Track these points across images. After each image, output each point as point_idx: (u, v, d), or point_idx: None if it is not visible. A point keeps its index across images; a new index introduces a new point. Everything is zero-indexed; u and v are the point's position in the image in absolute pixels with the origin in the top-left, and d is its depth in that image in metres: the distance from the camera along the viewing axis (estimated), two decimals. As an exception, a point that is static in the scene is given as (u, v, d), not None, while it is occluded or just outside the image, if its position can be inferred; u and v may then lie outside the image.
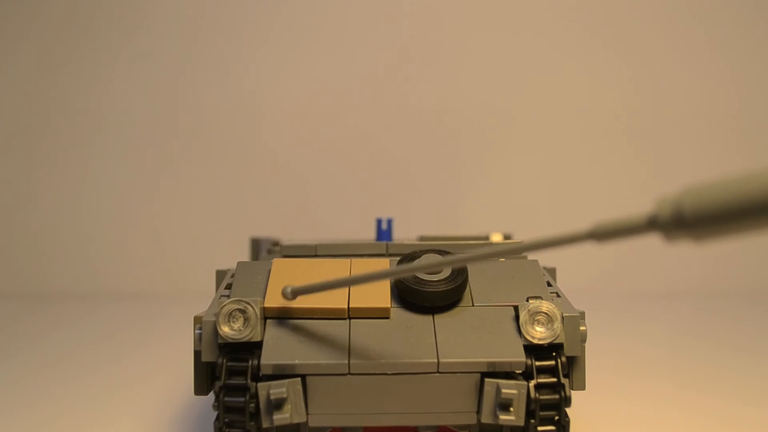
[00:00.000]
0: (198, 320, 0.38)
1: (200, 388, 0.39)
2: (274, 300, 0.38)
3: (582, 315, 0.38)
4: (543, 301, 0.37)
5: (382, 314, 0.38)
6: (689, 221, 0.21)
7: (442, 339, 0.37)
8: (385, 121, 1.33)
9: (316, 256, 0.45)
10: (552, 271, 0.47)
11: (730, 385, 0.63)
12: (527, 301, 0.38)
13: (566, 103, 1.33)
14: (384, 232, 0.63)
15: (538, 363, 0.36)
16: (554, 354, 0.37)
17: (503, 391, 0.35)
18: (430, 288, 0.38)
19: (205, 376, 0.39)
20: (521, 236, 0.55)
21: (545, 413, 0.36)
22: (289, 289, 0.37)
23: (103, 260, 1.32)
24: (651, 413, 0.54)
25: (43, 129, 1.33)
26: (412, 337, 0.37)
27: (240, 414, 0.36)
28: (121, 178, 1.33)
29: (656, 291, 1.24)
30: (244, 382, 0.36)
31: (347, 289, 0.39)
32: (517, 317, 0.38)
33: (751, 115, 1.33)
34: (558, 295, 0.40)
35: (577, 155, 1.33)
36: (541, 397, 0.36)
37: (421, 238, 0.52)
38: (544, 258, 0.50)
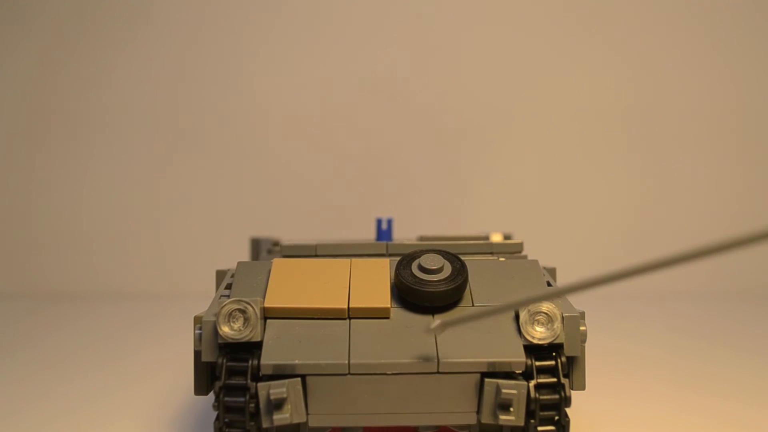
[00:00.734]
0: (198, 320, 0.38)
1: (200, 388, 0.39)
2: (274, 300, 0.38)
3: (582, 315, 0.38)
4: (543, 301, 0.37)
5: (382, 314, 0.38)
6: None
7: (442, 339, 0.37)
8: (385, 121, 1.33)
9: (316, 256, 0.45)
10: (552, 271, 0.47)
11: (730, 385, 0.63)
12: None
13: (566, 103, 1.33)
14: (384, 232, 0.63)
15: (538, 363, 0.36)
16: (554, 354, 0.37)
17: (503, 391, 0.35)
18: (430, 288, 0.38)
19: (205, 376, 0.39)
20: (521, 236, 0.55)
21: (545, 413, 0.36)
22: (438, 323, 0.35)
23: (103, 260, 1.32)
24: (651, 413, 0.54)
25: (43, 129, 1.33)
26: (412, 337, 0.37)
27: (240, 414, 0.36)
28: (121, 178, 1.33)
29: (656, 291, 1.23)
30: (244, 382, 0.36)
31: (347, 289, 0.39)
32: (517, 317, 0.38)
33: (753, 115, 1.33)
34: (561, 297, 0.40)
35: (578, 155, 1.33)
36: (541, 397, 0.36)
37: (421, 238, 0.52)
38: (544, 258, 0.50)
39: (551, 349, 0.37)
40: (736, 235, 0.24)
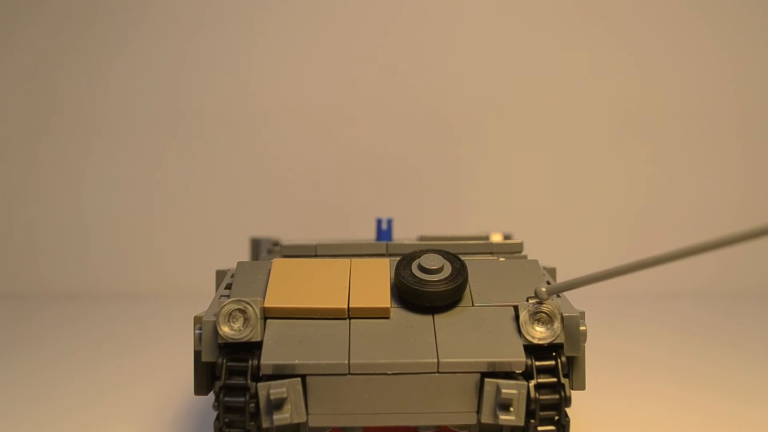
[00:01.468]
0: (198, 320, 0.38)
1: (200, 388, 0.39)
2: (274, 300, 0.38)
3: (582, 315, 0.38)
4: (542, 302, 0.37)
5: (382, 314, 0.38)
6: None
7: (442, 339, 0.37)
8: (385, 120, 1.33)
9: (316, 256, 0.45)
10: (552, 271, 0.47)
11: (730, 385, 0.63)
12: (527, 301, 0.38)
13: (567, 103, 1.33)
14: (384, 232, 0.63)
15: (538, 363, 0.36)
16: (554, 354, 0.37)
17: (503, 391, 0.35)
18: (430, 288, 0.38)
19: (205, 376, 0.39)
20: (521, 236, 0.55)
21: (545, 413, 0.36)
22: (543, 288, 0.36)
23: (103, 260, 1.32)
24: (651, 413, 0.54)
25: (42, 129, 1.33)
26: (412, 337, 0.37)
27: (240, 414, 0.36)
28: (121, 177, 1.33)
29: (656, 291, 1.24)
30: (244, 382, 0.36)
31: (347, 289, 0.39)
32: (517, 317, 0.38)
33: (758, 114, 1.33)
34: (558, 295, 0.40)
35: (578, 154, 1.33)
36: (541, 397, 0.36)
37: (421, 238, 0.52)
38: (544, 258, 0.50)
39: (551, 349, 0.37)
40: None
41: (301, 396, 0.35)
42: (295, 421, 0.36)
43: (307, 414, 0.36)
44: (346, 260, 0.42)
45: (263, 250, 0.62)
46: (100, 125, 1.33)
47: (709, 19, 1.32)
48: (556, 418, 0.36)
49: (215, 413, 0.37)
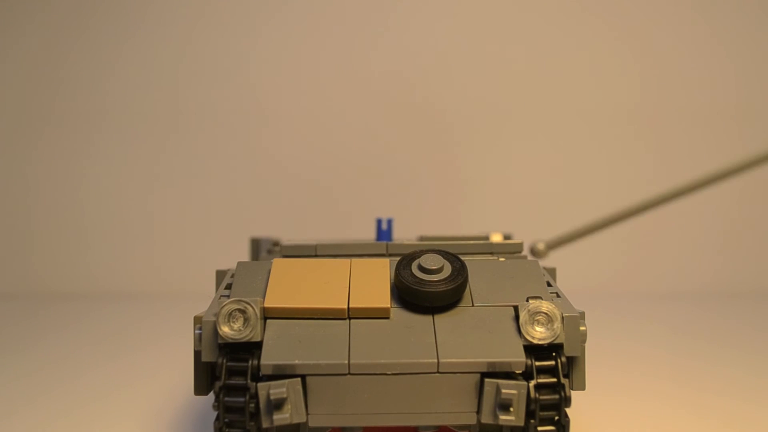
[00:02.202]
0: (198, 320, 0.38)
1: (200, 388, 0.39)
2: (274, 300, 0.38)
3: (582, 315, 0.38)
4: (543, 301, 0.37)
5: (382, 314, 0.38)
6: None
7: (442, 339, 0.37)
8: (386, 120, 1.33)
9: (316, 256, 0.45)
10: (552, 271, 0.47)
11: (730, 385, 0.63)
12: (527, 301, 0.38)
13: (567, 102, 1.33)
14: (384, 232, 0.63)
15: (538, 363, 0.36)
16: (554, 354, 0.37)
17: (503, 391, 0.35)
18: (430, 288, 0.38)
19: (205, 376, 0.39)
20: (521, 236, 0.55)
21: (545, 413, 0.36)
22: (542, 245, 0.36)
23: (103, 260, 1.32)
24: (651, 413, 0.54)
25: (42, 129, 1.33)
26: (412, 337, 0.37)
27: (240, 414, 0.36)
28: (121, 177, 1.33)
29: (656, 291, 1.24)
30: (244, 382, 0.36)
31: (347, 289, 0.39)
32: (517, 317, 0.38)
33: (759, 110, 1.33)
34: (558, 295, 0.40)
35: (579, 154, 1.33)
36: (541, 397, 0.36)
37: (421, 238, 0.52)
38: (545, 258, 0.50)
39: (551, 349, 0.37)
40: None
41: (301, 396, 0.35)
42: (295, 421, 0.36)
43: (307, 414, 0.36)
44: (346, 260, 0.42)
45: (263, 250, 0.62)
46: (100, 125, 1.33)
47: (710, 15, 1.32)
48: (556, 418, 0.36)
49: (215, 413, 0.37)
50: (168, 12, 1.32)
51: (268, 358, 0.36)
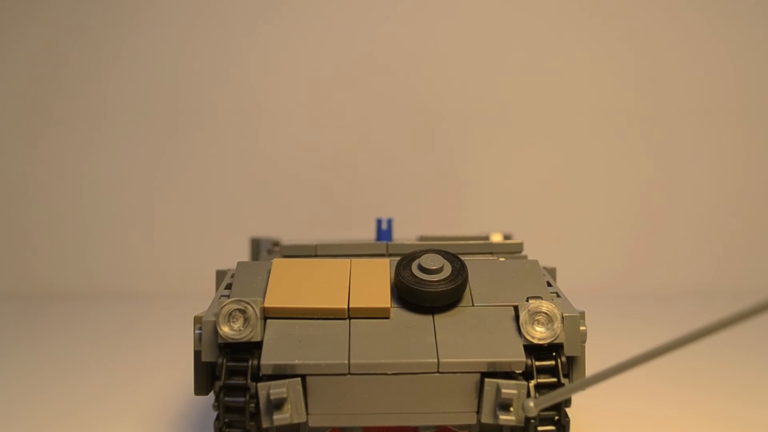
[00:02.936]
0: (198, 320, 0.38)
1: (200, 388, 0.39)
2: (274, 300, 0.38)
3: (582, 315, 0.38)
4: (543, 301, 0.37)
5: (382, 314, 0.38)
6: None
7: (442, 339, 0.37)
8: (385, 121, 1.33)
9: (316, 256, 0.45)
10: (552, 271, 0.47)
11: (730, 385, 0.63)
12: (527, 301, 0.38)
13: (567, 102, 1.33)
14: (384, 232, 0.63)
15: (538, 363, 0.36)
16: (554, 354, 0.37)
17: (503, 391, 0.35)
18: (430, 288, 0.38)
19: (205, 376, 0.39)
20: (521, 236, 0.55)
21: (545, 413, 0.36)
22: None
23: (103, 260, 1.32)
24: (651, 413, 0.54)
25: (42, 129, 1.33)
26: (412, 337, 0.37)
27: (240, 414, 0.36)
28: (121, 177, 1.33)
29: (656, 291, 1.24)
30: (244, 382, 0.36)
31: (347, 289, 0.39)
32: (517, 317, 0.38)
33: (760, 108, 1.32)
34: (558, 295, 0.40)
35: (579, 154, 1.33)
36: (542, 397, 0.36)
37: (421, 238, 0.52)
38: (544, 258, 0.50)
39: (551, 349, 0.37)
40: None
41: (301, 396, 0.35)
42: (295, 421, 0.36)
43: (307, 414, 0.36)
44: (346, 260, 0.42)
45: (263, 250, 0.63)
46: (99, 125, 1.33)
47: (709, 13, 1.32)
48: (556, 418, 0.36)
49: (215, 413, 0.37)
50: (168, 12, 1.32)
51: (268, 358, 0.36)
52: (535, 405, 0.33)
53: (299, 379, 0.36)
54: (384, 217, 0.64)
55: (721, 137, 1.33)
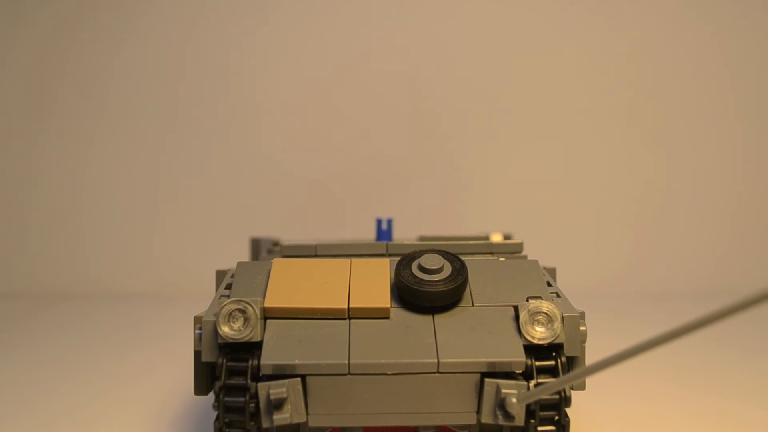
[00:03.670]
0: (198, 320, 0.38)
1: (200, 388, 0.39)
2: (274, 300, 0.38)
3: (582, 315, 0.38)
4: (543, 301, 0.37)
5: (382, 314, 0.38)
6: None
7: (442, 339, 0.37)
8: (385, 120, 1.33)
9: (316, 256, 0.45)
10: (552, 271, 0.47)
11: (730, 385, 0.63)
12: (527, 301, 0.38)
13: (567, 102, 1.33)
14: (384, 232, 0.63)
15: (538, 363, 0.36)
16: (554, 354, 0.37)
17: (503, 391, 0.35)
18: (430, 288, 0.38)
19: (205, 376, 0.39)
20: (521, 236, 0.55)
21: (545, 413, 0.36)
22: None
23: (103, 260, 1.32)
24: (651, 413, 0.54)
25: (42, 127, 1.33)
26: (412, 337, 0.37)
27: (240, 414, 0.36)
28: (121, 177, 1.33)
29: (656, 291, 1.24)
30: (244, 382, 0.36)
31: (347, 289, 0.39)
32: (517, 317, 0.38)
33: (760, 107, 1.32)
34: (558, 295, 0.40)
35: (579, 154, 1.33)
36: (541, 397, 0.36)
37: (421, 238, 0.52)
38: (544, 258, 0.50)
39: (551, 349, 0.37)
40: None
41: (301, 396, 0.35)
42: (295, 421, 0.36)
43: (307, 414, 0.36)
44: (346, 260, 0.42)
45: (263, 250, 0.63)
46: (100, 125, 1.33)
47: (710, 15, 1.32)
48: (556, 418, 0.36)
49: (215, 413, 0.37)
50: (169, 11, 1.32)
51: (268, 358, 0.36)
52: (518, 401, 0.33)
53: (299, 379, 0.35)
54: (384, 217, 0.64)
55: (721, 137, 1.33)
